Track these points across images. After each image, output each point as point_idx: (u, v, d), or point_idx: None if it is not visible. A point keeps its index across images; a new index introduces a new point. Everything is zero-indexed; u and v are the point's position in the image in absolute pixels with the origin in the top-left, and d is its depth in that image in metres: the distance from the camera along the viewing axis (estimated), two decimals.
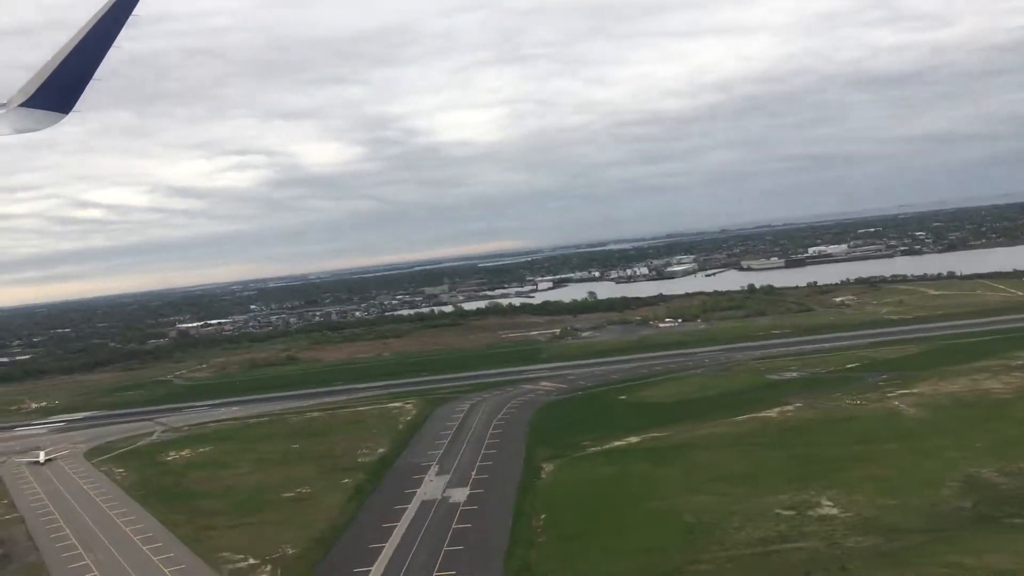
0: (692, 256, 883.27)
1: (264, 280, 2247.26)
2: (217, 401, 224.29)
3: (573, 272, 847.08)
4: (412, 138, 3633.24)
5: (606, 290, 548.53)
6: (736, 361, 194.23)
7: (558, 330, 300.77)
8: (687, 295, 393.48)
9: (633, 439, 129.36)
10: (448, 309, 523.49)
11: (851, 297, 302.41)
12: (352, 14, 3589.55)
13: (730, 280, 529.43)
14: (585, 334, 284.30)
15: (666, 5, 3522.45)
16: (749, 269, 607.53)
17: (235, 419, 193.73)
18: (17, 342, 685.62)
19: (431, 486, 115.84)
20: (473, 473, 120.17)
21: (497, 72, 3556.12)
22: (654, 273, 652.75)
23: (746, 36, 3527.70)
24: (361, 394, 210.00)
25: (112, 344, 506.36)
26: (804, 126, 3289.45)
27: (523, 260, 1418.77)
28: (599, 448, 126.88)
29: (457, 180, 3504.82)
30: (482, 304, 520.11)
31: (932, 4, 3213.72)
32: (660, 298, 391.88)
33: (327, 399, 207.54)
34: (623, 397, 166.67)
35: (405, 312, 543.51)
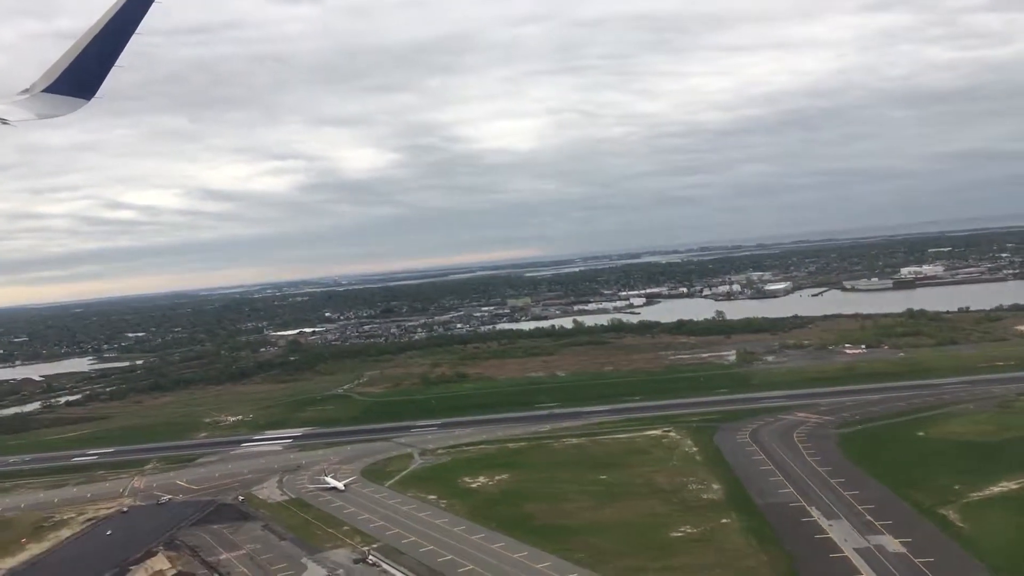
0: (769, 273, 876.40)
1: (295, 283, 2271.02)
2: (437, 422, 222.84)
3: (648, 286, 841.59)
4: (452, 145, 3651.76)
5: (708, 308, 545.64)
6: (997, 396, 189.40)
7: (732, 353, 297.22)
8: (828, 318, 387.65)
9: (1011, 486, 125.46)
10: (545, 324, 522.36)
11: None
12: (420, 22, 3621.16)
13: (836, 301, 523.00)
14: (769, 359, 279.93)
15: (728, 19, 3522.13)
16: (854, 290, 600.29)
17: (486, 442, 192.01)
18: (106, 346, 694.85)
19: (840, 532, 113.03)
20: (869, 518, 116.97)
21: (549, 82, 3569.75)
22: (752, 291, 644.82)
23: (801, 51, 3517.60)
24: (596, 419, 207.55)
25: (224, 352, 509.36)
26: (843, 141, 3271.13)
27: (576, 270, 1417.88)
28: (982, 494, 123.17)
29: (489, 187, 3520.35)
30: (569, 320, 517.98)
31: (993, 22, 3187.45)
32: (799, 319, 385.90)
33: (565, 423, 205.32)
34: (922, 434, 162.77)
35: (508, 326, 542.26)
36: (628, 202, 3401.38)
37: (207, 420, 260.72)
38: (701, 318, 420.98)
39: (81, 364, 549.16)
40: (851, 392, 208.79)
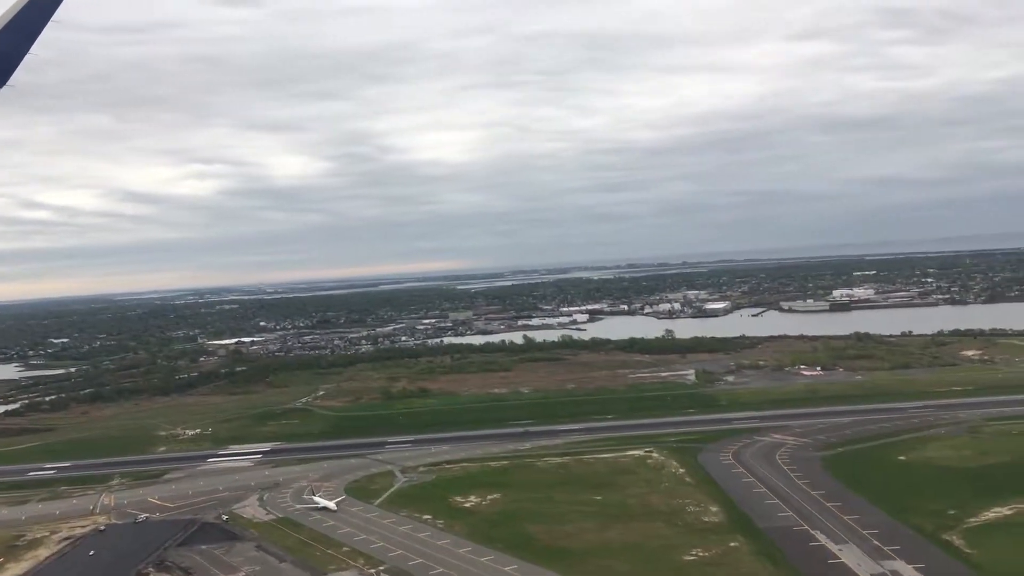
0: (705, 292, 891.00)
1: (217, 290, 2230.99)
2: (410, 438, 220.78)
3: (586, 303, 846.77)
4: (385, 155, 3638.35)
5: (653, 326, 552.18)
6: (964, 421, 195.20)
7: (691, 372, 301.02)
8: (775, 338, 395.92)
9: (1006, 511, 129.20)
10: (492, 338, 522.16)
11: (977, 352, 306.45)
12: (362, 30, 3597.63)
13: (776, 322, 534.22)
14: (729, 379, 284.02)
15: (666, 40, 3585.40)
16: (791, 311, 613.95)
17: (467, 460, 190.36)
18: (31, 352, 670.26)
19: (851, 557, 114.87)
20: (877, 543, 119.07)
21: (486, 95, 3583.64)
22: (693, 310, 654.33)
23: (733, 74, 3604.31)
24: (573, 437, 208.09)
25: (162, 361, 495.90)
26: (765, 163, 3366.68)
27: (508, 284, 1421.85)
28: (979, 519, 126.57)
29: (420, 199, 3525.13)
30: (514, 335, 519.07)
31: (918, 54, 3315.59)
32: (748, 340, 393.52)
33: (543, 442, 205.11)
34: (903, 458, 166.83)
35: (455, 340, 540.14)
36: (557, 217, 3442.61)
37: (163, 433, 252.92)
38: (651, 336, 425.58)
39: (7, 371, 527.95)
40: (821, 415, 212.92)
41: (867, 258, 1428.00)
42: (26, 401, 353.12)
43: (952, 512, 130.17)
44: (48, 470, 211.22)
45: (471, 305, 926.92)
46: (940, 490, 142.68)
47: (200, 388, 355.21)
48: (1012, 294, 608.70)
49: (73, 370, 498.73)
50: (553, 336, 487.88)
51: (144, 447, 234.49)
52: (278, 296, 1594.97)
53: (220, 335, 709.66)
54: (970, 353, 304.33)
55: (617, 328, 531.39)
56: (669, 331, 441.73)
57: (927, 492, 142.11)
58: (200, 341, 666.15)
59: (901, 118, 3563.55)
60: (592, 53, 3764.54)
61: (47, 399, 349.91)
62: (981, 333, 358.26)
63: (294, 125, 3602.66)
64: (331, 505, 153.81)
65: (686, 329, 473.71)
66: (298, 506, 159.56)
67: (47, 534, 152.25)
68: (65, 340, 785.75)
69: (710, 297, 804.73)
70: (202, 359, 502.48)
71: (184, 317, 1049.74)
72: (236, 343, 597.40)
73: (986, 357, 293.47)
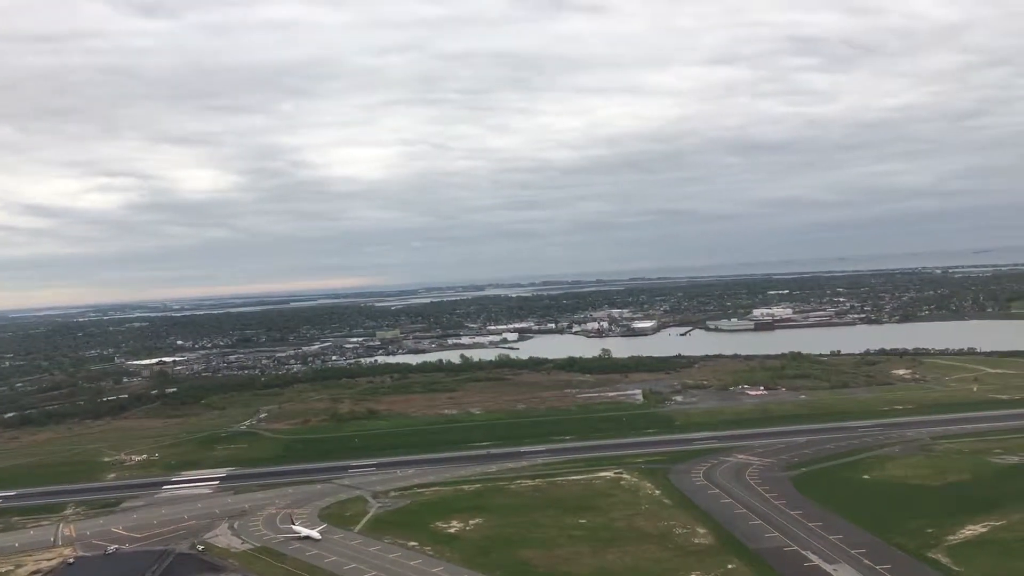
0: (627, 310, 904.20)
1: (120, 306, 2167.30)
2: (372, 461, 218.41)
3: (511, 321, 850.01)
4: (298, 170, 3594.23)
5: (585, 345, 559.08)
6: (912, 439, 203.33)
7: (638, 392, 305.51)
8: (710, 358, 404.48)
9: (980, 529, 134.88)
10: (427, 357, 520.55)
11: (907, 371, 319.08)
12: (283, 45, 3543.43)
13: (705, 340, 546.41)
14: (678, 399, 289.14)
15: (584, 63, 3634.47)
16: (717, 330, 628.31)
17: (438, 484, 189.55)
18: None
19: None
20: (868, 562, 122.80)
21: (405, 112, 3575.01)
22: (621, 329, 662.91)
23: (649, 97, 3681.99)
24: (539, 459, 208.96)
25: (84, 383, 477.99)
26: (676, 184, 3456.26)
27: (425, 301, 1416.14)
28: (956, 537, 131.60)
29: (331, 215, 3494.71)
30: (446, 354, 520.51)
31: (822, 82, 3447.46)
32: (684, 359, 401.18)
33: (509, 464, 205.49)
34: (867, 477, 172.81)
35: (386, 359, 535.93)
36: (469, 235, 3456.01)
37: (107, 459, 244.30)
38: (589, 356, 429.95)
39: None
40: (777, 434, 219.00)
41: (775, 277, 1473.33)
42: None
43: (930, 530, 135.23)
44: None
45: (396, 323, 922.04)
46: (912, 509, 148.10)
47: (133, 411, 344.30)
48: (922, 314, 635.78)
49: None
50: (488, 355, 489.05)
51: (92, 474, 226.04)
52: (187, 313, 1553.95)
53: (137, 355, 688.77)
54: (901, 372, 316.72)
55: (549, 347, 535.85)
56: (606, 350, 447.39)
57: (900, 511, 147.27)
58: (118, 361, 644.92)
59: (805, 142, 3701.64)
60: (513, 73, 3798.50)
61: None
62: (906, 352, 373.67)
63: (206, 139, 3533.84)
64: (314, 534, 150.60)
65: (619, 348, 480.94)
66: (276, 535, 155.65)
67: (11, 568, 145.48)
68: None
69: (634, 316, 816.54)
70: (125, 380, 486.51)
71: (93, 335, 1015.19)
72: (158, 363, 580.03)
73: (917, 376, 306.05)
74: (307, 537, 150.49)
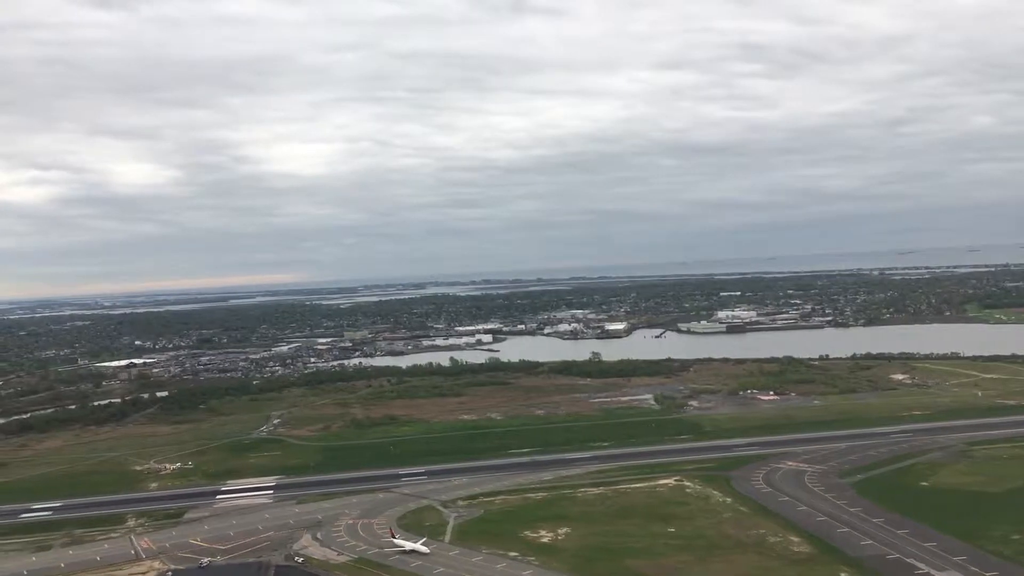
0: (589, 310, 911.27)
1: (47, 302, 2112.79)
2: (420, 469, 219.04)
3: (478, 322, 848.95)
4: (238, 165, 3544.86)
5: (563, 347, 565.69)
6: (945, 444, 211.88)
7: (650, 397, 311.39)
8: (701, 361, 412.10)
9: None
10: (415, 359, 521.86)
11: (904, 375, 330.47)
12: (235, 41, 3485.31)
13: (680, 344, 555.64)
14: (693, 404, 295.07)
15: (536, 64, 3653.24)
16: (690, 332, 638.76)
17: (501, 492, 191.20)
18: None
19: None
20: (975, 568, 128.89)
21: (352, 110, 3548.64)
22: (595, 331, 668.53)
23: (597, 99, 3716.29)
24: (592, 466, 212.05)
25: (64, 388, 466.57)
26: (615, 184, 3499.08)
27: (372, 299, 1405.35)
28: None
29: (264, 211, 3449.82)
30: (425, 356, 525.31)
31: (766, 88, 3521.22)
32: (677, 363, 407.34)
33: (564, 472, 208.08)
34: (925, 484, 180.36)
35: (366, 362, 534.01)
36: (405, 232, 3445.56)
37: (138, 468, 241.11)
38: (578, 359, 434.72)
39: None
40: (815, 440, 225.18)
41: (717, 277, 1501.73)
42: None
43: (1015, 537, 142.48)
44: (41, 511, 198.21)
45: (354, 323, 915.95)
46: (986, 516, 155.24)
47: (134, 416, 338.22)
48: (885, 317, 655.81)
49: None
50: (469, 357, 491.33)
51: (131, 483, 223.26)
52: (125, 311, 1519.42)
53: (98, 355, 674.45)
54: (899, 377, 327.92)
55: (527, 349, 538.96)
56: (596, 354, 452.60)
57: (976, 518, 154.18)
58: (82, 363, 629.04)
59: (744, 146, 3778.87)
60: (463, 73, 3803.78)
61: None
62: (894, 357, 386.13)
63: (146, 133, 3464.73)
64: (420, 547, 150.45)
65: (600, 351, 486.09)
66: (370, 547, 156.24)
67: None
68: None
69: (598, 317, 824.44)
70: (104, 383, 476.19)
71: (37, 335, 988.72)
72: (129, 365, 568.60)
73: (916, 381, 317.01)
74: (412, 551, 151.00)
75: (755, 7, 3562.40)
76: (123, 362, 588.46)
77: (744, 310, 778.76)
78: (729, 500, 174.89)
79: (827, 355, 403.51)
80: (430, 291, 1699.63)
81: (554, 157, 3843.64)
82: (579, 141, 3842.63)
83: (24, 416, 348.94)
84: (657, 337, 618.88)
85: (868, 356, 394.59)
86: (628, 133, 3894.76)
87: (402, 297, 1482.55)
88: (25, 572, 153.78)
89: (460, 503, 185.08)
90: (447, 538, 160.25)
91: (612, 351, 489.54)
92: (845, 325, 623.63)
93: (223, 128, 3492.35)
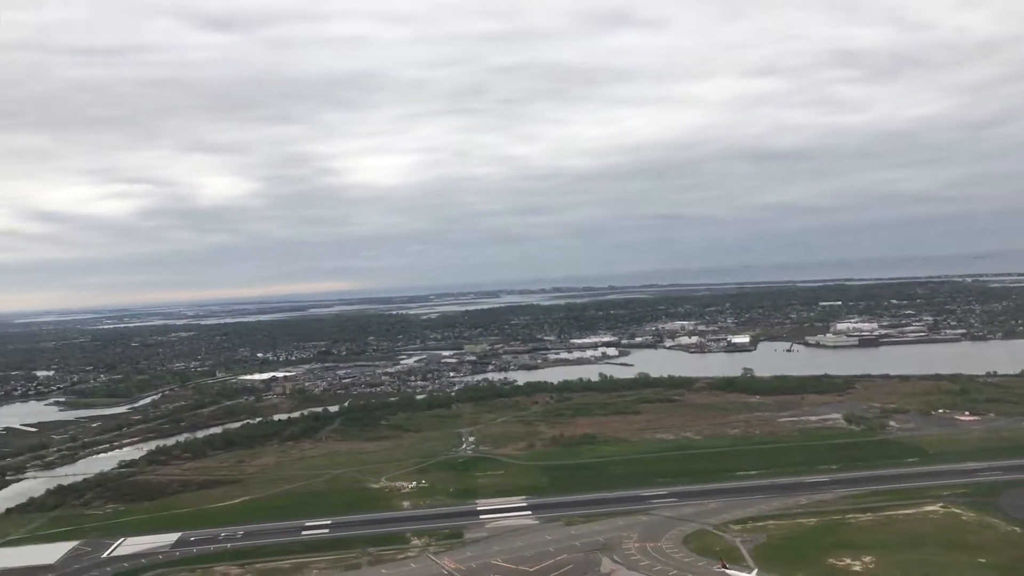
0: (683, 322, 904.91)
1: (132, 311, 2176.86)
2: (663, 491, 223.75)
3: (588, 335, 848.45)
4: (320, 177, 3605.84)
5: (694, 361, 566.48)
6: None
7: (837, 416, 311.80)
8: (860, 377, 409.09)
9: None
10: (541, 375, 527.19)
11: None
12: (339, 58, 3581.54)
13: (813, 358, 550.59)
14: (893, 424, 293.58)
15: (627, 75, 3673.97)
16: (820, 346, 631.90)
17: (766, 517, 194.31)
18: (32, 388, 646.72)
19: None
20: None
21: (437, 122, 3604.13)
22: (724, 344, 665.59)
23: (680, 107, 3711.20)
24: (839, 491, 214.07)
25: (227, 401, 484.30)
26: (683, 190, 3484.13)
27: (459, 309, 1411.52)
28: None
29: (338, 220, 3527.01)
30: (559, 370, 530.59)
31: (856, 93, 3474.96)
32: (840, 379, 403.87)
33: (816, 496, 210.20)
34: None
35: (500, 375, 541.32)
36: (466, 238, 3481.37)
37: (374, 486, 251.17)
38: (727, 375, 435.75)
39: (47, 412, 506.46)
40: None
41: (798, 284, 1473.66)
42: (146, 447, 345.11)
43: None
44: (318, 529, 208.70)
45: (461, 335, 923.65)
46: None
47: (324, 432, 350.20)
48: (1020, 329, 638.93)
49: (124, 410, 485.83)
50: (607, 371, 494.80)
51: (380, 501, 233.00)
52: (213, 322, 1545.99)
53: (230, 368, 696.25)
54: None
55: (659, 363, 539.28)
56: (748, 369, 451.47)
57: None
58: (220, 376, 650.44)
59: (821, 151, 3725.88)
60: (555, 85, 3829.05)
61: (169, 446, 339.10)
62: None
63: (238, 147, 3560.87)
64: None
65: (732, 365, 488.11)
66: (683, 571, 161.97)
67: None
68: (52, 372, 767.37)
69: (707, 328, 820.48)
70: (266, 397, 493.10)
71: (149, 346, 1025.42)
72: (271, 379, 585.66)
73: None
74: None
75: (857, 13, 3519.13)
76: (265, 375, 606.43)
77: (861, 321, 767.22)
78: (1019, 530, 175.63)
79: (994, 371, 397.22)
80: (505, 300, 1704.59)
81: (626, 164, 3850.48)
82: (654, 148, 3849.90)
83: (212, 432, 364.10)
84: (788, 351, 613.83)
85: None
86: (703, 140, 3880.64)
87: (482, 307, 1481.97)
88: None
89: (733, 527, 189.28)
90: (750, 563, 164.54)
91: (740, 365, 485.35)
92: (983, 338, 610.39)
93: (313, 142, 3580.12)
